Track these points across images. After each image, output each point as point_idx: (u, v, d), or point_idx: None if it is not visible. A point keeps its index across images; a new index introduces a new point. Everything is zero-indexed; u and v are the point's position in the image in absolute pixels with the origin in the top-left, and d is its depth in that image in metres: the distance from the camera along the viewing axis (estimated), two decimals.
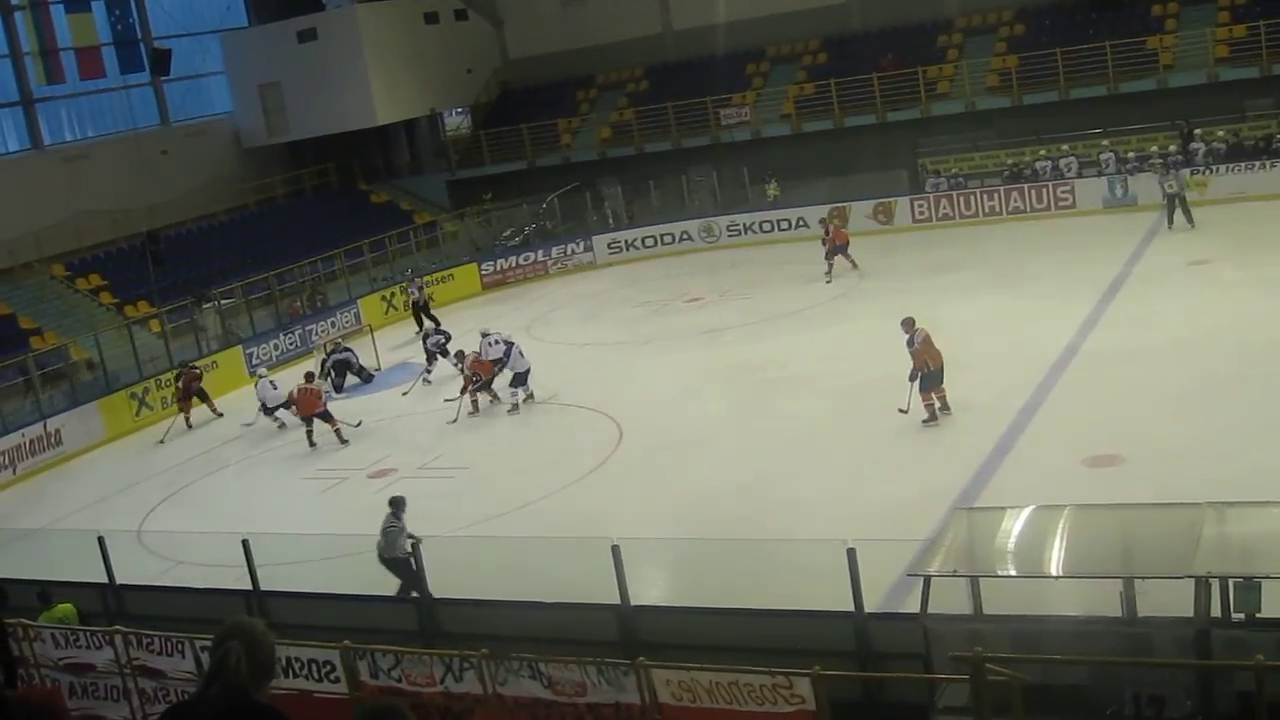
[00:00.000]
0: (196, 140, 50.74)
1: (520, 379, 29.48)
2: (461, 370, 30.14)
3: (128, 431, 33.42)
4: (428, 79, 53.10)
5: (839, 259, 37.85)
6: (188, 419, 33.06)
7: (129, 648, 14.84)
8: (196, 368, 34.33)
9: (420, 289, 40.12)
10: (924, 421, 23.76)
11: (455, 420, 29.20)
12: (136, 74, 47.65)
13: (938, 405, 24.07)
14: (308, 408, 29.31)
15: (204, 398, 33.46)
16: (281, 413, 30.85)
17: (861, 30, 50.66)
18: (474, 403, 29.36)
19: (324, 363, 34.48)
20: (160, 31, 49.29)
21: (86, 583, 19.79)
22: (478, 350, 30.07)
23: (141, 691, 14.84)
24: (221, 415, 33.26)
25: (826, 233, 38.64)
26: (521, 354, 29.73)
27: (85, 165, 45.84)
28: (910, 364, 24.11)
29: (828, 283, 37.17)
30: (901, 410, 23.65)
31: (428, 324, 37.42)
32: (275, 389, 31.32)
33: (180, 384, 33.43)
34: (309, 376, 30.79)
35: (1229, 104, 42.17)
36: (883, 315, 32.26)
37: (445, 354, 32.95)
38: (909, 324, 24.55)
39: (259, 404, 31.35)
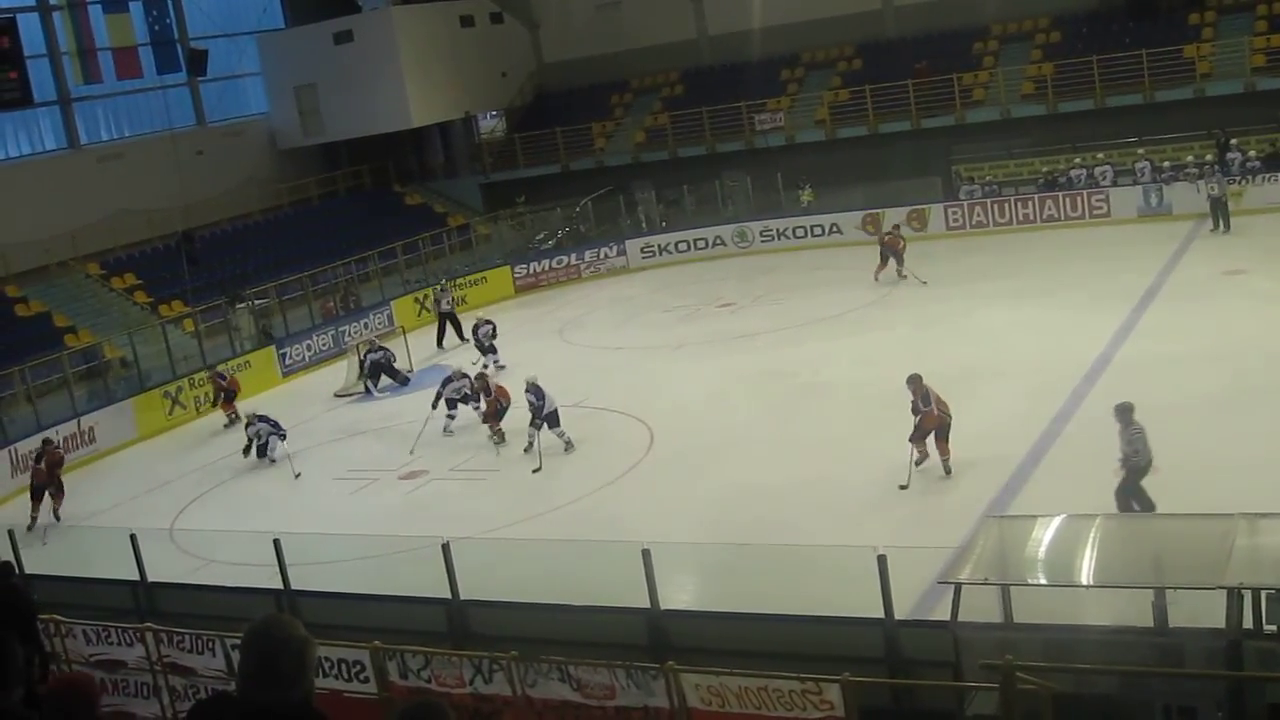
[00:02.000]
0: (232, 141, 50.95)
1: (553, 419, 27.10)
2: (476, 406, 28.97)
3: (161, 430, 33.57)
4: (462, 82, 53.21)
5: (892, 263, 37.68)
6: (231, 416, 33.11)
7: (160, 645, 14.93)
8: (224, 375, 34.37)
9: (451, 300, 39.67)
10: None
11: (539, 469, 26.40)
12: (173, 74, 47.79)
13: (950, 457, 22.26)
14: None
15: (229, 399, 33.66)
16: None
17: (896, 36, 50.58)
18: (498, 432, 28.29)
19: (361, 363, 34.54)
20: (197, 32, 49.48)
21: (118, 580, 19.91)
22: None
23: (172, 689, 14.93)
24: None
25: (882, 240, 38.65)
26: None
27: (121, 165, 46.04)
28: (913, 428, 22.31)
29: (924, 282, 36.45)
30: (903, 487, 21.70)
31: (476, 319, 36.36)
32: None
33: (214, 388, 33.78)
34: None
35: (1266, 114, 41.90)
36: (916, 323, 32.48)
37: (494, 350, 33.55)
38: (916, 381, 22.61)
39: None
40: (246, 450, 29.43)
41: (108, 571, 20.68)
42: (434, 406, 29.14)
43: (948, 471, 22.01)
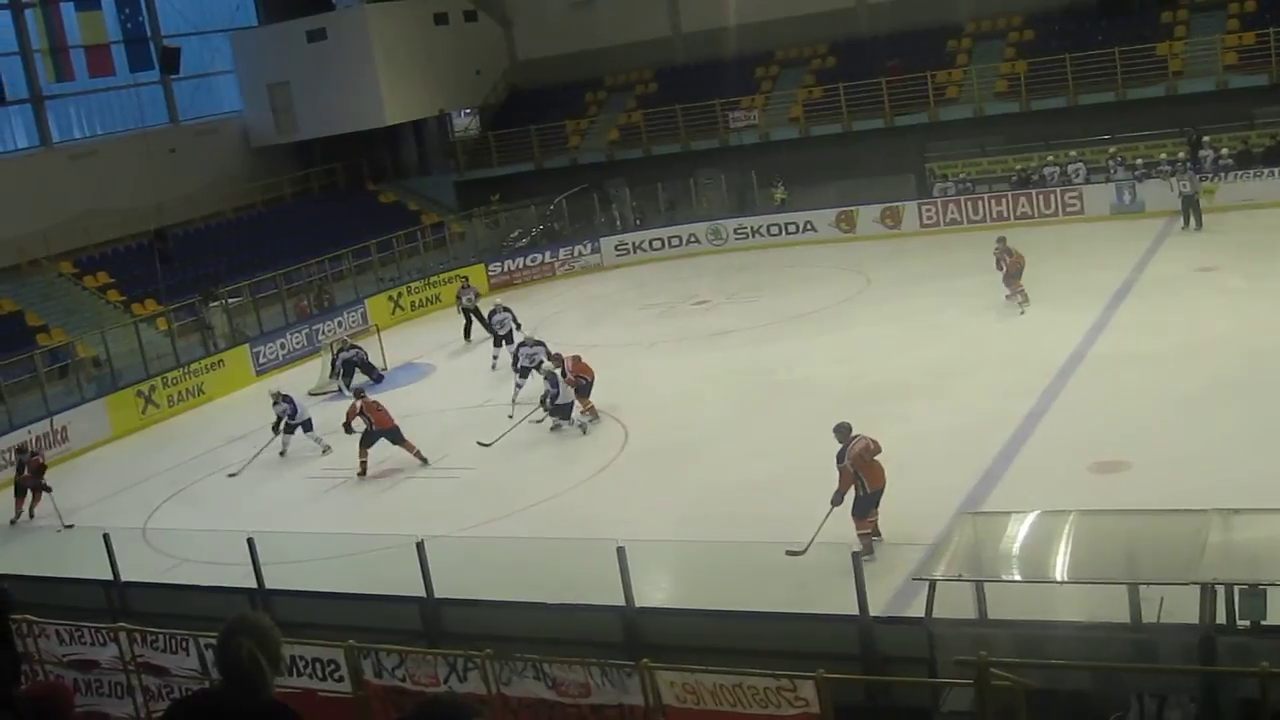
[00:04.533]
0: (205, 139, 50.75)
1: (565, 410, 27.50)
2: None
3: (134, 429, 33.46)
4: (436, 80, 53.10)
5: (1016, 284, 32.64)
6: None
7: (134, 645, 14.85)
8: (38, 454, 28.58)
9: (476, 295, 39.06)
10: (855, 554, 15.69)
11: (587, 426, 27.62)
12: (146, 72, 47.67)
13: (871, 532, 18.91)
14: None
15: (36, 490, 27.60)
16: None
17: (870, 34, 50.61)
18: (590, 409, 27.98)
19: (333, 361, 34.47)
20: (170, 30, 49.25)
21: (92, 579, 19.83)
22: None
23: (146, 689, 14.84)
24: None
25: (1000, 263, 32.93)
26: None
27: (94, 163, 45.84)
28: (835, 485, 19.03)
29: (1022, 311, 31.89)
30: (793, 552, 18.20)
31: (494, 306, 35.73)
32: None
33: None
34: None
35: (1238, 111, 42.13)
36: (890, 320, 32.57)
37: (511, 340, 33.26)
38: (844, 431, 19.14)
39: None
40: (275, 427, 29.22)
41: (81, 571, 20.61)
42: (521, 375, 29.86)
43: (865, 549, 18.12)
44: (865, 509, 18.87)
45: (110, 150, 46.61)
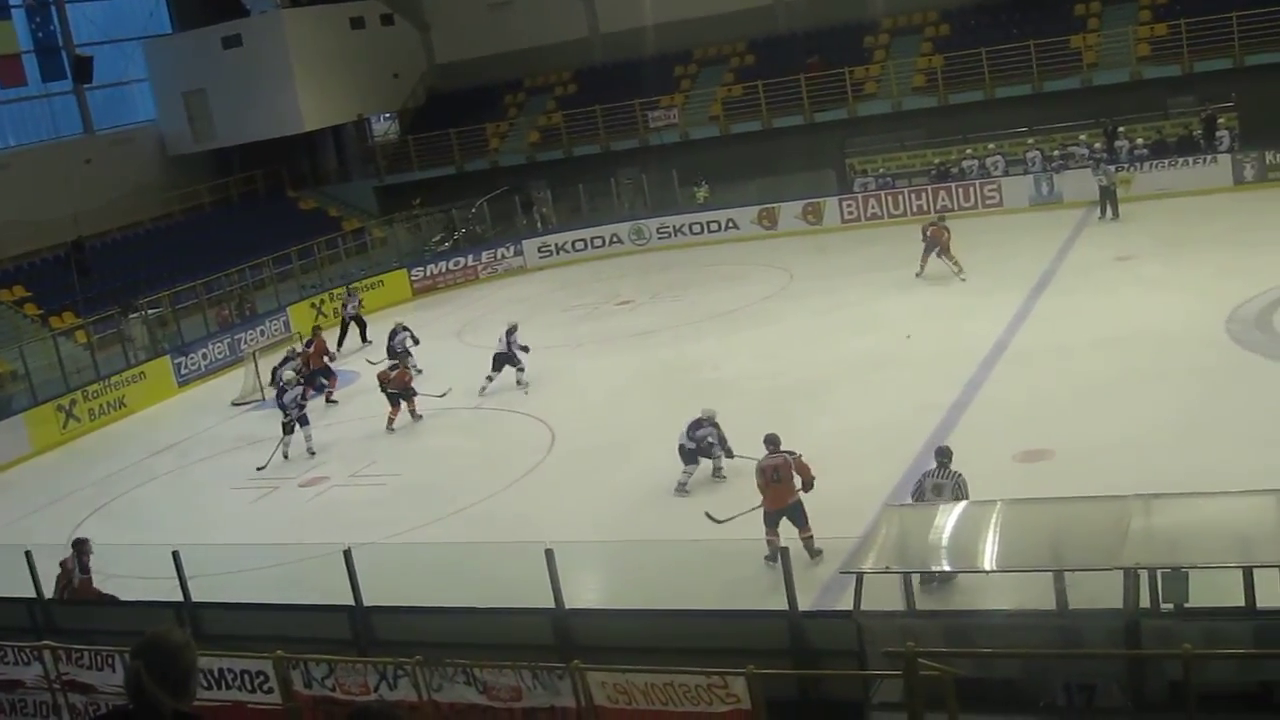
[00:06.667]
0: (121, 148, 50.21)
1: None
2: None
3: (55, 444, 33.00)
4: (354, 84, 52.82)
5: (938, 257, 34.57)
6: None
7: (59, 663, 14.67)
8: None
9: (359, 303, 39.48)
10: (765, 558, 17.63)
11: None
12: (59, 82, 47.16)
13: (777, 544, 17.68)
14: None
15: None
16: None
17: (788, 32, 50.82)
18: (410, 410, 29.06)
19: (275, 371, 33.58)
20: (82, 39, 48.77)
21: (14, 598, 19.53)
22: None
23: (72, 707, 14.68)
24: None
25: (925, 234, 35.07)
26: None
27: (7, 175, 45.11)
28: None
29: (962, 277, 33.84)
30: (712, 517, 19.36)
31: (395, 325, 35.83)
32: None
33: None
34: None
35: (1152, 102, 42.63)
36: (814, 315, 32.75)
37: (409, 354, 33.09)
38: (768, 443, 19.01)
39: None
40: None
41: (2, 590, 20.29)
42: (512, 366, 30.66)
43: (768, 557, 17.70)
44: (768, 521, 18.62)
45: (23, 161, 46.03)
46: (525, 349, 30.76)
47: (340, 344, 37.33)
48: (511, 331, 30.89)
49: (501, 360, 30.51)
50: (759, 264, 40.10)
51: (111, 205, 47.04)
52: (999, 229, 39.37)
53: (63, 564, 19.27)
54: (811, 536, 18.13)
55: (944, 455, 17.59)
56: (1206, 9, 42.06)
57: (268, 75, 50.06)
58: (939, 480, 17.18)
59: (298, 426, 28.38)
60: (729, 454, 22.38)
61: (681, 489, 22.25)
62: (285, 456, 28.16)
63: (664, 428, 26.04)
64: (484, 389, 30.34)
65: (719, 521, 19.15)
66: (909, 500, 17.41)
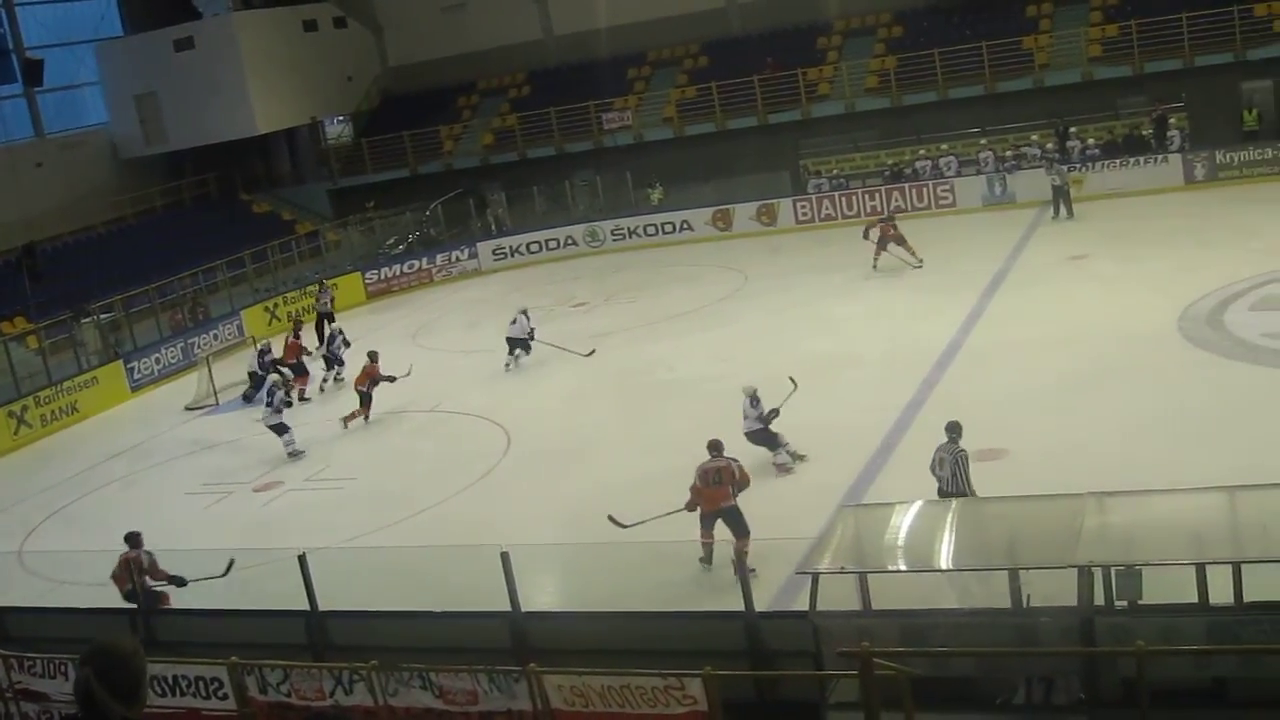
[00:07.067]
0: (72, 152, 49.90)
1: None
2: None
3: (6, 450, 32.69)
4: (308, 87, 52.61)
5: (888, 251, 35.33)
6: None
7: (10, 671, 14.56)
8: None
9: (331, 299, 39.38)
10: (700, 559, 18.30)
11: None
12: (8, 85, 46.79)
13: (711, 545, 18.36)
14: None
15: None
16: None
17: (741, 33, 50.93)
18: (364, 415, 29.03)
19: (262, 369, 33.17)
20: (32, 41, 48.44)
21: None
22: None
23: (25, 715, 14.57)
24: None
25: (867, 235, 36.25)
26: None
27: None
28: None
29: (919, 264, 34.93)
30: (615, 521, 18.84)
31: (330, 329, 35.76)
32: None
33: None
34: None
35: (1103, 102, 42.91)
36: (768, 314, 32.79)
37: (341, 363, 32.94)
38: (711, 448, 18.76)
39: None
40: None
41: None
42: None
43: (702, 558, 18.31)
44: (704, 522, 18.43)
45: None
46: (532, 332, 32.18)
47: (320, 339, 37.00)
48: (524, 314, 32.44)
49: (515, 344, 31.96)
50: (714, 265, 40.15)
51: (63, 209, 46.71)
52: (952, 229, 39.53)
53: (123, 559, 18.80)
54: (747, 551, 16.95)
55: (954, 430, 17.76)
56: (1157, 10, 42.43)
57: (220, 78, 49.83)
58: (943, 454, 17.47)
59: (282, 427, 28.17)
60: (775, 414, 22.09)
61: (783, 469, 22.11)
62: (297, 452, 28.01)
63: (619, 430, 26.14)
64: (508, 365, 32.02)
65: (624, 526, 18.61)
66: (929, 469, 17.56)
